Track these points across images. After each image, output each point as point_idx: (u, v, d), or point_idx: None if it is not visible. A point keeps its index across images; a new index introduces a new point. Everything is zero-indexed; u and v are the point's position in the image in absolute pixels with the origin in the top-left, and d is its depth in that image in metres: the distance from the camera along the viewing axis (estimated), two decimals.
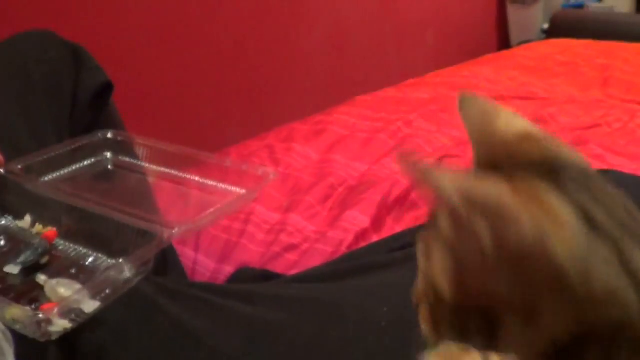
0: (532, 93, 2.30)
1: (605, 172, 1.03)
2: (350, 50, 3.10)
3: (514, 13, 4.00)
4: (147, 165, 1.05)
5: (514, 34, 3.99)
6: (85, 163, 1.04)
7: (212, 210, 0.87)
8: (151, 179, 1.06)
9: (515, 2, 3.97)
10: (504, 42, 4.00)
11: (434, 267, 0.53)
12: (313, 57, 2.91)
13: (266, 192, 1.56)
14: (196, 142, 2.35)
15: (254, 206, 1.50)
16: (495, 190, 0.46)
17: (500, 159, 0.56)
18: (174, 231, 0.80)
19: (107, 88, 1.19)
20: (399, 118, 1.96)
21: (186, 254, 1.38)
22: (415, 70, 3.00)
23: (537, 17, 4.01)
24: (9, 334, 0.68)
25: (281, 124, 2.02)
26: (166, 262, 1.18)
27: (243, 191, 0.94)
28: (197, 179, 1.02)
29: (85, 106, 1.15)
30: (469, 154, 1.69)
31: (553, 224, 0.45)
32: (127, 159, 1.08)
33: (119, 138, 1.08)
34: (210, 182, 0.99)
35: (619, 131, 1.88)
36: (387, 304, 0.80)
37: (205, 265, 1.36)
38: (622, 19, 3.52)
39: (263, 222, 1.45)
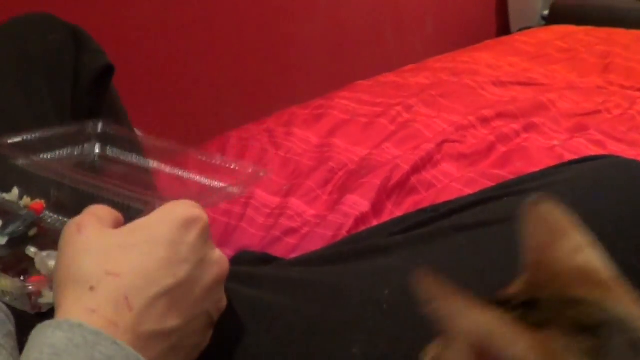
0: (532, 79, 2.30)
1: (604, 157, 1.04)
2: (350, 35, 3.09)
3: None
4: (135, 160, 1.04)
5: (514, 20, 3.97)
6: (72, 153, 1.03)
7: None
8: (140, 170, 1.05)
9: None
10: (503, 28, 3.99)
11: None
12: (313, 41, 2.91)
13: (266, 176, 1.56)
14: (196, 126, 2.37)
15: (253, 189, 1.50)
16: (520, 350, 0.42)
17: (549, 294, 0.52)
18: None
19: (108, 70, 1.19)
20: (398, 103, 1.96)
21: None
22: (415, 55, 3.00)
23: (537, 4, 4.00)
24: (5, 308, 0.68)
25: (281, 109, 2.02)
26: None
27: (234, 189, 0.93)
28: (184, 174, 1.01)
29: (87, 88, 1.15)
30: (469, 139, 1.69)
31: None
32: (115, 153, 1.06)
33: (109, 131, 1.06)
34: (198, 179, 0.98)
35: (618, 117, 1.88)
36: (388, 287, 0.80)
37: None
38: (623, 6, 3.51)
39: (263, 206, 1.45)
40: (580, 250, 0.55)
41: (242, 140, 1.76)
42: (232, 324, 0.81)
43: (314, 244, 1.28)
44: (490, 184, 1.37)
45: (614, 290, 0.51)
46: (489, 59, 2.57)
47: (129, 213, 0.75)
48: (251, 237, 1.37)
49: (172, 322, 0.62)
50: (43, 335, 0.56)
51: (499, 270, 0.78)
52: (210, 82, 2.47)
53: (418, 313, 0.77)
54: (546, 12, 3.79)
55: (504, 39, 3.16)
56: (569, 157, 1.49)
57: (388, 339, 0.76)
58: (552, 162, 1.37)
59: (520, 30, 3.59)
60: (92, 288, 0.60)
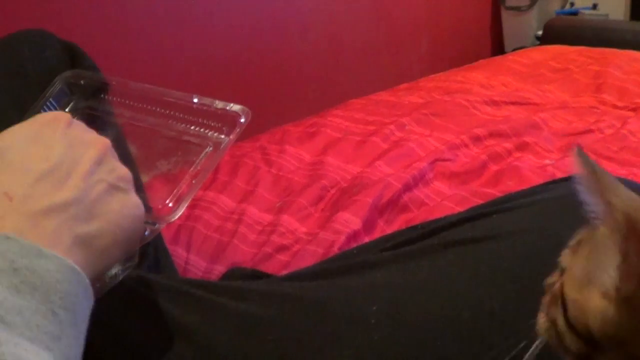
0: (525, 98, 2.31)
1: None
2: (345, 55, 3.11)
3: (508, 19, 4.02)
4: (115, 111, 1.02)
5: (508, 40, 4.00)
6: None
7: (189, 191, 0.84)
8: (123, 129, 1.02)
9: (509, 9, 3.99)
10: (498, 48, 4.01)
11: (573, 270, 0.51)
12: (307, 60, 2.92)
13: (258, 193, 1.57)
14: None
15: (245, 207, 1.51)
16: None
17: None
18: (155, 227, 0.80)
19: (103, 87, 1.19)
20: (392, 121, 1.97)
21: (178, 253, 1.39)
22: (409, 75, 3.02)
23: (531, 24, 4.02)
24: None
25: (274, 126, 2.03)
26: (158, 261, 1.18)
27: (220, 138, 0.89)
28: (171, 123, 0.97)
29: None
30: (461, 158, 1.70)
31: None
32: (95, 105, 1.04)
33: (82, 81, 1.03)
34: (184, 128, 0.94)
35: (610, 137, 1.89)
36: (376, 303, 0.81)
37: (196, 264, 1.37)
38: (616, 26, 3.53)
39: (255, 223, 1.46)
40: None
41: (235, 158, 1.77)
42: (222, 338, 0.82)
43: (306, 261, 1.29)
44: (481, 202, 1.37)
45: None
46: (482, 79, 2.58)
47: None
48: (243, 254, 1.37)
49: (61, 195, 0.62)
50: None
51: (488, 285, 0.79)
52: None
53: (404, 330, 0.78)
54: (540, 32, 3.81)
55: (498, 58, 3.18)
56: (560, 176, 1.50)
57: (375, 354, 0.76)
58: (543, 181, 1.38)
59: (514, 49, 3.61)
60: None
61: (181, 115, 0.93)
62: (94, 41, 1.35)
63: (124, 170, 0.71)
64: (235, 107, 0.88)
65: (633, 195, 0.45)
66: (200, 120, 0.91)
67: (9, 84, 1.12)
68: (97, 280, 0.67)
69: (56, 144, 0.66)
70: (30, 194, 0.61)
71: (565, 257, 0.54)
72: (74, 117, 0.74)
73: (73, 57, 1.17)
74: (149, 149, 1.00)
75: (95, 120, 1.02)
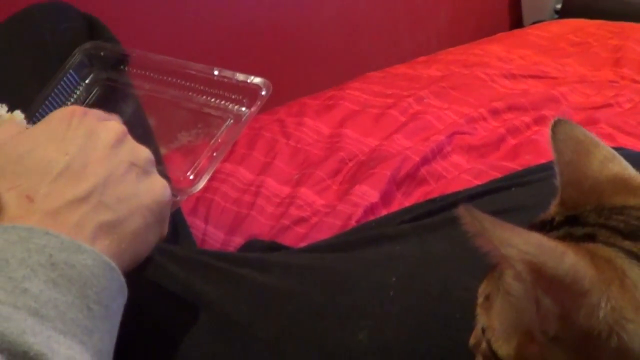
0: (543, 72, 2.29)
1: (615, 150, 1.04)
2: (363, 27, 3.09)
3: None
4: (135, 83, 1.01)
5: (527, 14, 3.97)
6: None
7: (211, 164, 0.83)
8: (142, 101, 1.02)
9: None
10: (516, 22, 3.98)
11: (493, 326, 0.51)
12: (325, 32, 2.91)
13: (276, 166, 1.57)
14: None
15: (264, 179, 1.51)
16: (570, 263, 0.42)
17: (587, 209, 0.52)
18: (177, 199, 0.80)
19: (122, 59, 1.19)
20: (410, 94, 1.96)
21: (196, 225, 1.39)
22: (427, 48, 3.01)
23: None
24: None
25: (292, 99, 2.03)
26: (177, 232, 1.19)
27: (241, 111, 0.89)
28: (191, 95, 0.97)
29: None
30: (479, 131, 1.69)
31: (635, 311, 0.42)
32: (114, 77, 1.04)
33: (101, 53, 1.04)
34: (204, 100, 0.94)
35: (629, 111, 1.88)
36: (395, 274, 0.81)
37: (214, 236, 1.38)
38: (636, 0, 3.49)
39: (273, 195, 1.46)
40: (610, 160, 0.55)
41: (254, 130, 1.77)
42: (242, 308, 0.82)
43: (323, 234, 1.29)
44: (499, 176, 1.37)
45: None
46: (500, 52, 2.57)
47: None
48: (261, 226, 1.38)
49: (81, 186, 0.63)
50: None
51: None
52: None
53: (423, 301, 0.79)
54: (559, 6, 3.78)
55: (516, 32, 3.16)
56: None
57: (394, 325, 0.77)
58: None
59: (533, 23, 3.58)
60: None
61: (202, 88, 0.93)
62: (108, 12, 1.34)
63: (144, 151, 0.72)
64: (256, 80, 0.88)
65: (531, 237, 0.43)
66: (220, 92, 0.91)
67: (29, 55, 1.13)
68: (134, 266, 0.67)
69: (73, 135, 0.66)
70: (50, 192, 0.62)
71: (481, 317, 0.53)
72: (94, 89, 0.75)
73: (92, 28, 1.17)
74: (169, 121, 1.01)
75: (114, 91, 1.03)
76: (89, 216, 0.62)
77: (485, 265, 0.80)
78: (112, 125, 0.70)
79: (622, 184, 0.53)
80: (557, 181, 0.57)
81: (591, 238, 0.48)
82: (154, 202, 0.69)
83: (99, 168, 0.65)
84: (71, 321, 0.54)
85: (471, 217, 0.44)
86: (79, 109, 0.69)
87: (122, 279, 0.61)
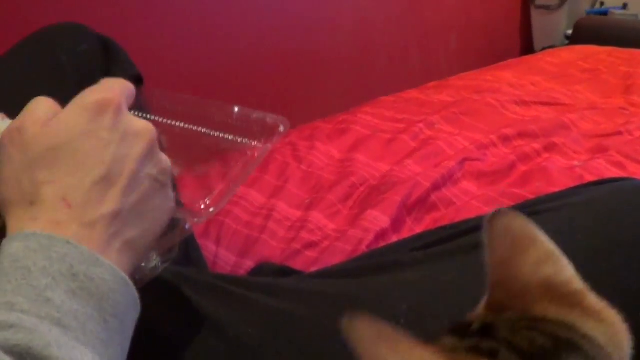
0: (554, 99, 2.30)
1: (623, 180, 1.04)
2: (375, 52, 3.11)
3: (537, 18, 4.00)
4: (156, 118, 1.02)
5: (538, 39, 3.98)
6: None
7: (230, 186, 0.84)
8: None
9: (539, 8, 3.97)
10: (527, 47, 3.99)
11: None
12: (338, 57, 2.93)
13: (288, 189, 1.58)
14: None
15: (275, 202, 1.52)
16: None
17: (505, 317, 0.49)
18: (195, 220, 0.81)
19: (137, 81, 1.20)
20: (421, 120, 1.97)
21: (208, 248, 1.40)
22: (438, 73, 3.02)
23: (561, 23, 4.01)
24: None
25: (305, 123, 2.04)
26: (189, 255, 1.19)
27: (257, 145, 0.90)
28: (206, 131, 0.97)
29: None
30: (490, 157, 1.69)
31: None
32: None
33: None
34: (221, 135, 0.95)
35: (639, 139, 1.88)
36: (406, 302, 0.81)
37: (226, 258, 1.38)
38: None
39: (284, 219, 1.47)
40: (545, 262, 0.51)
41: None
42: (252, 332, 0.83)
43: (334, 258, 1.30)
44: (510, 203, 1.38)
45: (579, 304, 0.49)
46: (511, 78, 2.58)
47: None
48: (272, 250, 1.38)
49: (114, 202, 0.63)
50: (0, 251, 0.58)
51: None
52: (234, 96, 2.48)
53: (435, 329, 0.79)
54: (570, 31, 3.79)
55: (527, 58, 3.17)
56: (588, 177, 1.50)
57: None
58: (571, 183, 1.38)
59: (544, 49, 3.59)
60: (32, 203, 0.61)
61: (219, 121, 0.94)
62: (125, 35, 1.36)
63: (166, 162, 0.72)
64: (275, 118, 0.89)
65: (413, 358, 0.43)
66: (238, 126, 0.92)
67: (46, 77, 1.13)
68: (135, 272, 0.68)
69: (111, 141, 0.66)
70: (87, 201, 0.62)
71: None
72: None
73: (108, 50, 1.18)
74: (184, 154, 1.02)
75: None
76: (119, 233, 0.63)
77: None
78: (144, 130, 0.69)
79: (550, 290, 0.49)
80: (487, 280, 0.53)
81: (493, 356, 0.46)
82: (164, 214, 0.70)
83: (131, 182, 0.65)
84: (90, 333, 0.55)
85: (354, 329, 0.45)
86: (113, 102, 0.68)
87: (136, 295, 0.63)
